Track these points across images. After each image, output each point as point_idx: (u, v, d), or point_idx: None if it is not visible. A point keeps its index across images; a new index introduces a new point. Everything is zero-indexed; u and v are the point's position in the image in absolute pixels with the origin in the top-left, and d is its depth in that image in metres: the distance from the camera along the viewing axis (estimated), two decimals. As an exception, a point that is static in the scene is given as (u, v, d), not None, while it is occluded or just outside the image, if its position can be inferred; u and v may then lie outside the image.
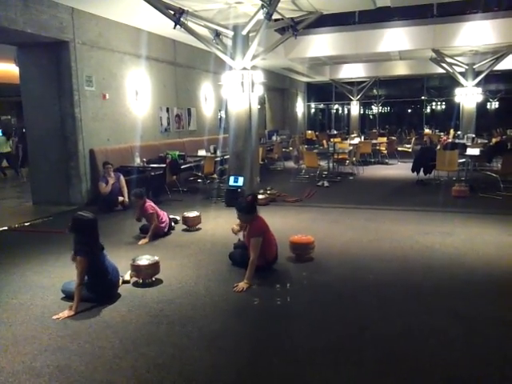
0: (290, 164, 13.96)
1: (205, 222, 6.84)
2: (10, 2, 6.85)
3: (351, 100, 24.07)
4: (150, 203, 6.13)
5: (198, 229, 6.63)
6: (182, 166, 9.79)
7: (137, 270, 4.42)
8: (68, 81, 8.21)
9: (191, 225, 6.59)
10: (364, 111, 29.12)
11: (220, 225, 6.92)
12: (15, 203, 9.28)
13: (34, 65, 8.48)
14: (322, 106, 30.56)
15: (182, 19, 7.59)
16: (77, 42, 8.24)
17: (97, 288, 4.03)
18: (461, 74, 16.72)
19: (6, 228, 6.92)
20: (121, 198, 8.07)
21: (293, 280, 4.63)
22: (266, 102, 20.54)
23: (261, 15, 7.45)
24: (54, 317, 3.75)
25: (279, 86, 21.10)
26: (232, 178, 8.26)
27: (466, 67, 16.75)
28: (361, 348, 3.22)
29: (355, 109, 24.25)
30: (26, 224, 7.19)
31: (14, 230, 6.90)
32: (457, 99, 17.92)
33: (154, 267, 4.47)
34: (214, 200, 8.84)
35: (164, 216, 6.34)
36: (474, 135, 14.32)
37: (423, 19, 13.53)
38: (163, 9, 7.51)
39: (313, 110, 30.01)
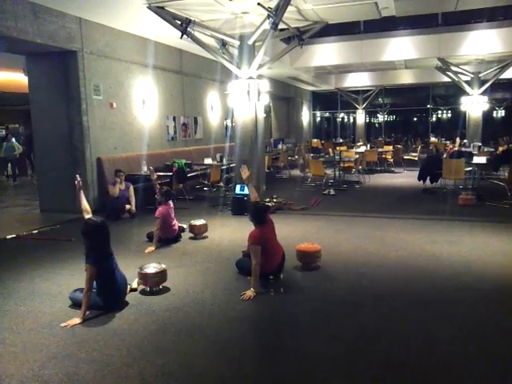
0: (296, 172, 13.98)
1: (211, 230, 6.86)
2: (21, 13, 6.96)
3: (357, 108, 24.13)
4: (161, 208, 6.15)
5: (205, 237, 6.65)
6: (189, 175, 9.84)
7: (144, 277, 4.43)
8: (76, 90, 8.30)
9: (198, 233, 6.61)
10: (369, 119, 29.15)
11: (226, 233, 6.93)
12: (23, 211, 9.34)
13: (43, 74, 8.58)
14: (327, 114, 30.64)
15: (188, 29, 7.69)
16: (84, 51, 8.34)
17: (104, 294, 4.05)
18: (466, 82, 16.73)
19: (14, 236, 6.97)
20: (128, 206, 8.12)
21: (299, 288, 4.63)
22: (272, 110, 20.63)
23: (267, 25, 7.51)
24: (62, 324, 3.77)
25: (285, 95, 21.19)
26: (238, 187, 8.28)
27: (472, 76, 16.75)
28: (368, 356, 3.21)
29: (361, 117, 24.31)
30: (34, 232, 7.24)
31: (22, 237, 6.95)
32: (463, 108, 17.92)
33: (162, 275, 4.48)
34: (221, 208, 8.86)
35: (176, 224, 6.39)
36: (480, 143, 14.29)
37: (428, 28, 13.58)
38: (170, 19, 7.61)
39: (318, 119, 30.08)
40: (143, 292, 4.48)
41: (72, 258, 5.65)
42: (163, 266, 4.54)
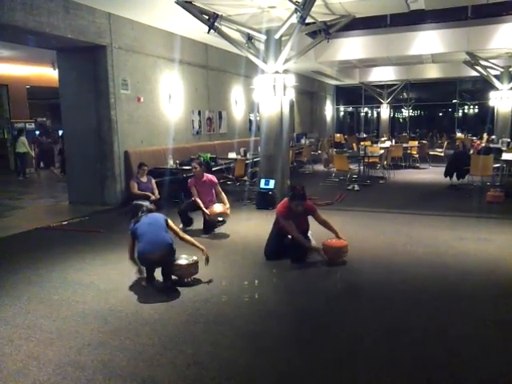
0: (319, 167, 13.94)
1: (236, 224, 6.92)
2: (53, 10, 7.11)
3: (381, 103, 23.84)
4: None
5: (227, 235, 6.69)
6: (214, 169, 9.90)
7: (177, 269, 4.51)
8: (104, 84, 8.44)
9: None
10: (394, 114, 28.76)
11: (251, 227, 6.98)
12: (52, 202, 9.56)
13: (73, 68, 8.75)
14: (350, 109, 30.37)
15: (215, 24, 7.72)
16: (113, 46, 8.47)
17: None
18: (496, 76, 16.36)
19: (44, 226, 7.16)
20: (152, 197, 8.21)
21: (326, 283, 4.66)
22: (295, 105, 20.57)
23: (294, 19, 7.49)
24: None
25: (308, 89, 21.09)
26: (263, 181, 8.32)
27: (502, 70, 16.37)
28: (396, 352, 3.21)
29: (385, 112, 24.02)
30: (64, 223, 7.42)
31: (52, 228, 7.13)
32: (491, 103, 17.54)
33: (194, 267, 4.56)
34: (245, 202, 8.92)
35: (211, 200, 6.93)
36: (509, 140, 13.97)
37: (457, 21, 13.29)
38: (198, 14, 7.66)
39: (341, 113, 29.84)
40: (173, 283, 4.55)
41: (102, 248, 5.78)
42: (195, 257, 4.61)
